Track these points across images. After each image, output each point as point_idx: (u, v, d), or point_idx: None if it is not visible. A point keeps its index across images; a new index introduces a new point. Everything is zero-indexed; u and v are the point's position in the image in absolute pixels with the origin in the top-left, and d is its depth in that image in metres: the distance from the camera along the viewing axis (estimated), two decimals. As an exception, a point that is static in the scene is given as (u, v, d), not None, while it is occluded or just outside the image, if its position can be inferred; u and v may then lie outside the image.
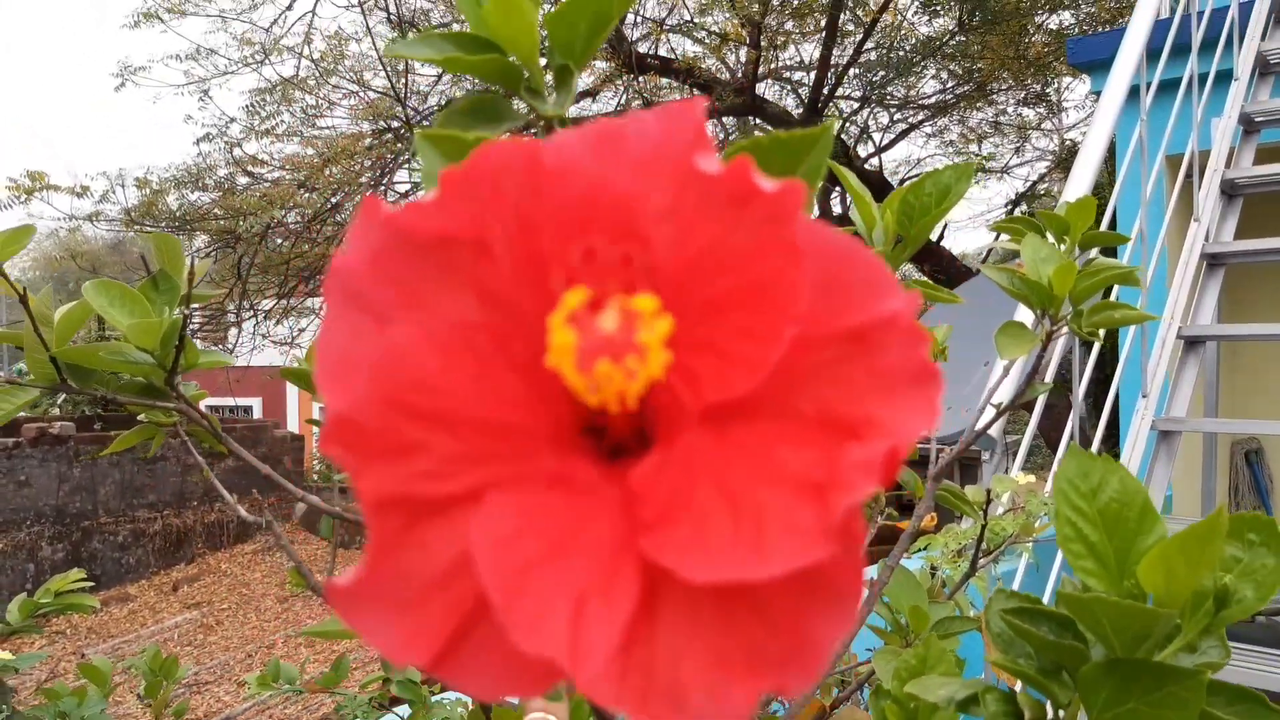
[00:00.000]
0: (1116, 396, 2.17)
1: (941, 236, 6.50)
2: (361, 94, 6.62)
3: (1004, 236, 0.84)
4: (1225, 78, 2.63)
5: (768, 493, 0.20)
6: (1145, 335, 2.18)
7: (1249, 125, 2.64)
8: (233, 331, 6.91)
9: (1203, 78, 2.49)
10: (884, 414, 0.20)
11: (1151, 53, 2.28)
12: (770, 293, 0.21)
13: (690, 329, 0.21)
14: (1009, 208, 8.12)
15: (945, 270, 5.77)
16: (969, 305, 1.07)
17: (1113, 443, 3.63)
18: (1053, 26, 6.38)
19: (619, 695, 0.19)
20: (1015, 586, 1.78)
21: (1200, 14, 2.55)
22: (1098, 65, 3.43)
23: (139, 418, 0.73)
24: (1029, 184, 8.12)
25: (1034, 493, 1.09)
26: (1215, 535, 0.38)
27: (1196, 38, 2.47)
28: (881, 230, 0.58)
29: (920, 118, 7.12)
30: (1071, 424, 1.98)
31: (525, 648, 0.19)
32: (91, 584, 1.21)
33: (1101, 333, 0.79)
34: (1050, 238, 0.76)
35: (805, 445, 0.20)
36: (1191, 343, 2.28)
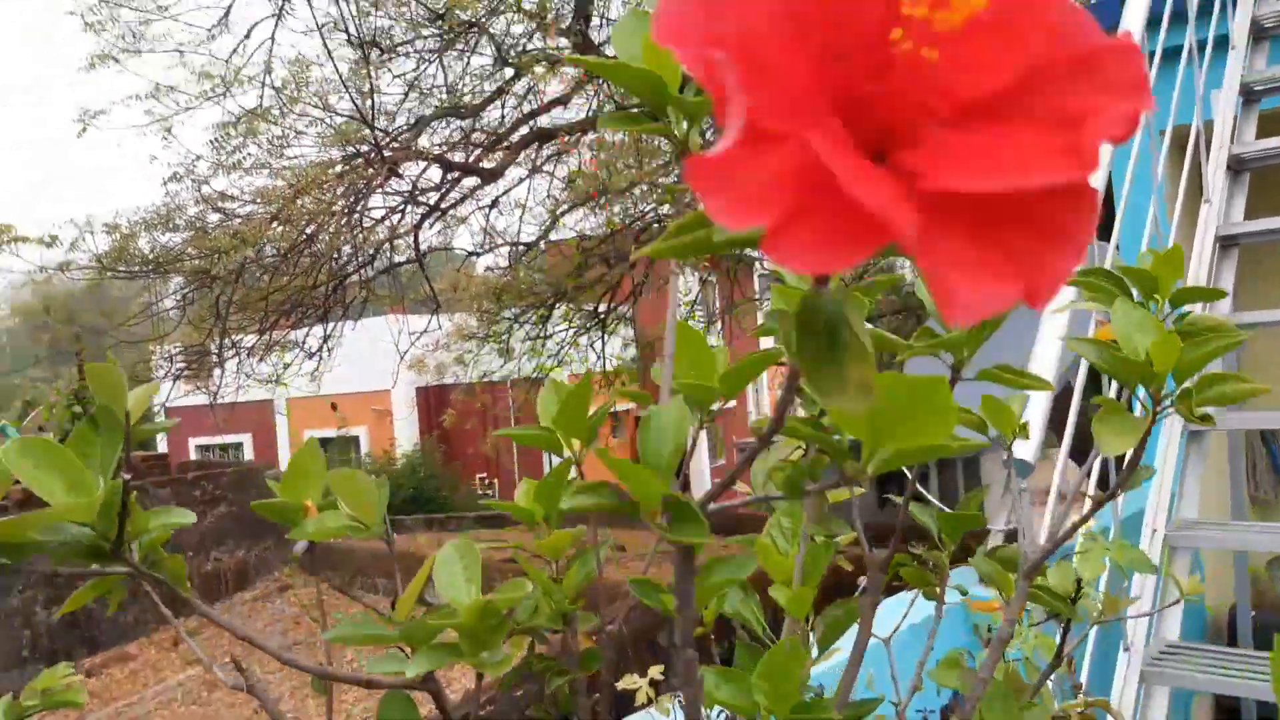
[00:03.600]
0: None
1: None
2: (328, 119, 6.47)
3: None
4: (1221, 45, 2.54)
5: (1021, 147, 0.27)
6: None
7: (1249, 95, 2.55)
8: (216, 372, 6.74)
9: (1200, 45, 2.40)
10: (1109, 104, 0.27)
11: (1151, 20, 2.17)
12: (1024, 21, 0.28)
13: (955, 44, 0.27)
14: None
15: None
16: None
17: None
18: None
19: (921, 253, 0.25)
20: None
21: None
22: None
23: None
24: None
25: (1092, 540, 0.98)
26: None
27: (1192, 4, 2.37)
28: None
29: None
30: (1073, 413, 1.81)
31: (864, 200, 0.23)
32: (80, 676, 1.11)
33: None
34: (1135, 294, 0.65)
35: (1047, 132, 0.27)
36: (1212, 328, 2.18)
